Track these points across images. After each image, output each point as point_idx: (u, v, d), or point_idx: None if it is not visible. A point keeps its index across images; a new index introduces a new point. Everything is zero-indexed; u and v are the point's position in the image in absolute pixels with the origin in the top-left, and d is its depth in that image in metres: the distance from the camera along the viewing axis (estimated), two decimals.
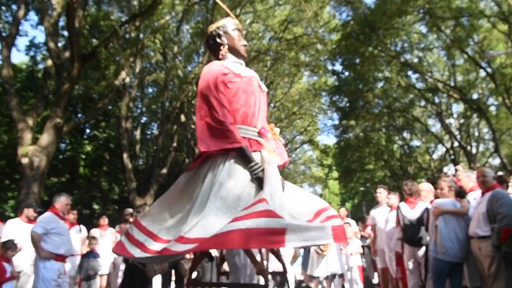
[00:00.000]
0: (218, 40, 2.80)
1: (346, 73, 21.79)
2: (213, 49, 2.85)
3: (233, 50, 2.79)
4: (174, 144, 17.91)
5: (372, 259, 7.86)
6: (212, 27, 2.86)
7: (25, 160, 9.87)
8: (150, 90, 22.58)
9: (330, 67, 22.09)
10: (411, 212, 5.02)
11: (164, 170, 16.40)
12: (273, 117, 24.32)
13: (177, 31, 18.26)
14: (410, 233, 4.90)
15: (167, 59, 18.45)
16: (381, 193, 6.41)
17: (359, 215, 22.85)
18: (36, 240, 4.83)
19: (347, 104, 22.52)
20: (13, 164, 14.59)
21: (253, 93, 2.69)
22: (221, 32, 2.80)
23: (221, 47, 2.79)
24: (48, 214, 5.10)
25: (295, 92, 23.71)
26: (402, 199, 5.97)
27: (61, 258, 5.03)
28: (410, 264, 4.94)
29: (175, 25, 18.39)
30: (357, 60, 19.63)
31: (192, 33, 19.89)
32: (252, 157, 2.47)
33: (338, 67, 22.25)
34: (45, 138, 10.23)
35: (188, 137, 19.82)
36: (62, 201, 5.26)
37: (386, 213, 6.01)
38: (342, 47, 18.84)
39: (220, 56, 2.79)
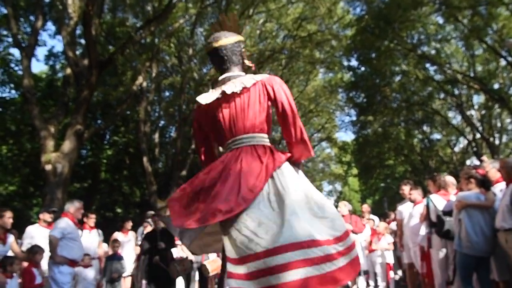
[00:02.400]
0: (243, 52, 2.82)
1: (362, 68, 21.56)
2: (242, 58, 2.82)
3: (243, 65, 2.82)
4: (193, 146, 18.02)
5: (397, 255, 7.76)
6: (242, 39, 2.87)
7: (48, 167, 10.09)
8: (167, 93, 22.78)
9: (345, 63, 21.92)
10: (444, 204, 4.92)
11: (184, 172, 16.54)
12: None
13: (191, 34, 18.39)
14: (442, 225, 4.79)
15: (183, 62, 18.59)
16: (405, 189, 6.31)
17: (380, 211, 22.53)
18: (54, 245, 4.94)
19: (364, 100, 22.29)
20: (37, 171, 14.94)
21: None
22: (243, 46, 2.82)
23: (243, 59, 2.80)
24: (64, 219, 5.21)
25: (311, 89, 23.60)
26: (425, 193, 5.87)
27: (74, 263, 5.16)
28: (441, 254, 4.84)
29: (189, 28, 18.52)
30: (373, 55, 19.39)
31: (206, 35, 19.99)
32: None
33: (354, 62, 22.05)
34: (67, 145, 10.44)
35: None
36: (76, 206, 5.39)
37: (411, 208, 5.93)
38: (357, 42, 18.64)
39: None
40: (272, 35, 20.12)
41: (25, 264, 5.01)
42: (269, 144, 2.49)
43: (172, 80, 19.51)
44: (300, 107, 23.90)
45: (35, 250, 4.88)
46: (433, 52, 19.42)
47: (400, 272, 8.81)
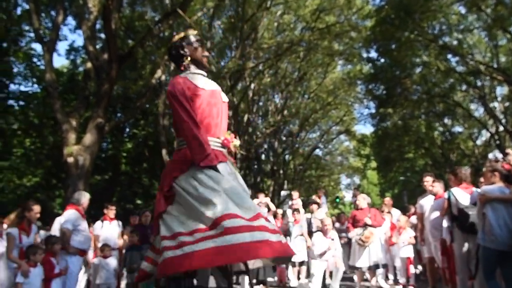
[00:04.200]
0: (181, 51, 2.91)
1: (382, 60, 21.24)
2: (176, 60, 2.97)
3: (195, 61, 2.91)
4: None
5: (417, 249, 7.67)
6: (175, 38, 2.98)
7: (70, 160, 10.30)
8: None
9: (365, 55, 21.64)
10: (466, 198, 4.83)
11: None
12: (307, 109, 24.16)
13: (209, 27, 18.40)
14: (464, 219, 4.71)
15: None
16: (428, 181, 6.20)
17: (400, 205, 22.27)
18: (68, 236, 5.08)
19: (384, 92, 21.98)
20: (59, 164, 15.26)
21: (216, 105, 2.85)
22: (184, 44, 2.91)
23: (184, 58, 2.91)
24: (72, 211, 5.30)
25: (330, 82, 23.40)
26: (446, 187, 5.77)
27: (83, 253, 5.34)
28: (463, 248, 4.76)
29: (207, 21, 18.53)
30: (393, 46, 19.07)
31: (223, 28, 19.99)
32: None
33: (373, 54, 21.73)
34: (88, 137, 10.63)
35: None
36: (87, 197, 5.55)
37: (432, 201, 5.83)
38: (377, 33, 18.36)
39: (182, 68, 2.92)
40: (290, 27, 19.98)
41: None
42: None
43: None
44: (318, 100, 23.77)
45: (53, 241, 5.00)
46: (455, 42, 18.99)
47: (420, 267, 8.70)
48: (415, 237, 7.26)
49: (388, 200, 8.86)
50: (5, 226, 5.11)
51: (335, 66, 22.80)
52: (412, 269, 7.62)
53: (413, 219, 7.98)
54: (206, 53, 2.98)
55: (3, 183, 14.83)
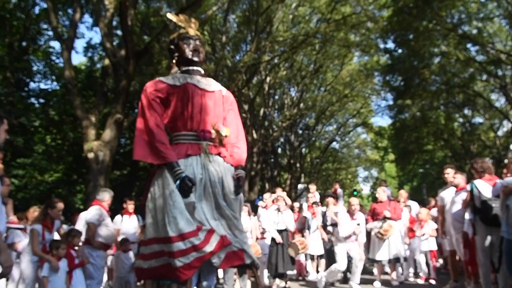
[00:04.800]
0: (172, 47, 3.14)
1: (400, 51, 20.96)
2: (170, 57, 3.20)
3: (182, 59, 3.08)
4: None
5: (438, 242, 7.57)
6: (171, 37, 3.20)
7: (91, 155, 10.48)
8: None
9: (382, 46, 21.36)
10: (489, 190, 4.74)
11: None
12: (324, 101, 23.99)
13: (223, 21, 18.39)
14: (487, 211, 4.63)
15: (216, 50, 18.66)
16: (449, 173, 6.11)
17: (419, 197, 22.03)
18: (93, 231, 5.25)
19: (402, 83, 21.71)
20: (80, 159, 15.56)
21: (189, 98, 2.95)
22: (175, 42, 3.12)
23: (174, 55, 3.14)
24: (97, 207, 5.48)
25: (346, 74, 23.19)
26: (469, 179, 5.67)
27: (107, 247, 5.49)
28: (486, 241, 4.69)
29: (222, 15, 18.52)
30: (411, 36, 18.77)
31: (238, 22, 19.95)
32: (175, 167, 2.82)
33: (390, 44, 21.47)
34: (108, 133, 10.78)
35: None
36: (111, 195, 5.73)
37: (453, 194, 5.74)
38: (394, 23, 18.07)
39: (171, 64, 3.18)
40: (305, 19, 19.82)
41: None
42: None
43: (205, 68, 19.65)
44: (334, 92, 23.57)
45: (73, 234, 5.13)
46: (474, 31, 18.55)
47: (440, 260, 8.60)
48: (436, 230, 7.17)
49: (403, 193, 8.74)
50: (29, 222, 5.26)
51: (351, 58, 22.56)
52: (435, 263, 7.53)
53: (433, 211, 7.88)
54: (197, 48, 3.06)
55: (25, 179, 15.17)
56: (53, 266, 4.52)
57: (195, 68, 3.10)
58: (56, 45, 31.27)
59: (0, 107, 13.22)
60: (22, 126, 15.16)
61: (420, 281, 7.45)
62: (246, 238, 3.01)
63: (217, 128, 2.99)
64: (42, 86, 25.39)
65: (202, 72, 3.15)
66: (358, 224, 6.82)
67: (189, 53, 3.06)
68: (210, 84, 3.10)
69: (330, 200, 7.85)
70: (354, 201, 7.17)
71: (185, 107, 2.97)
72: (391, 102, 24.79)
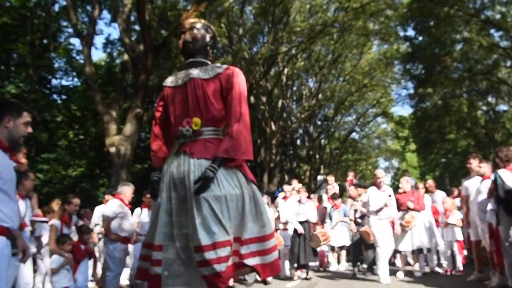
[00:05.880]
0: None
1: (420, 38, 20.57)
2: None
3: (182, 50, 3.02)
4: None
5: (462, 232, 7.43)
6: None
7: (112, 149, 10.65)
8: None
9: (401, 33, 20.98)
10: None
11: None
12: (342, 91, 23.75)
13: (240, 13, 18.32)
14: (511, 202, 4.52)
15: (233, 42, 18.64)
16: (473, 163, 5.97)
17: (442, 188, 21.66)
18: (107, 223, 5.34)
19: (423, 71, 21.33)
20: (102, 154, 15.82)
21: (174, 96, 2.95)
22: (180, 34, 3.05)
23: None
24: (115, 200, 5.57)
25: (365, 63, 22.88)
26: (493, 168, 5.53)
27: (126, 240, 5.53)
28: (511, 232, 4.58)
29: (238, 7, 18.45)
30: (432, 23, 18.40)
31: (255, 14, 19.85)
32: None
33: (410, 32, 21.05)
34: (128, 127, 10.93)
35: (259, 118, 20.03)
36: (131, 188, 5.81)
37: (478, 183, 5.61)
38: (414, 10, 17.71)
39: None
40: (323, 9, 19.57)
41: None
42: None
43: (223, 61, 19.68)
44: (353, 82, 23.30)
45: (83, 230, 5.27)
46: (498, 16, 18.01)
47: (464, 251, 8.45)
48: (461, 220, 7.03)
49: (430, 182, 8.57)
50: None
51: (370, 47, 22.23)
52: (462, 254, 7.39)
53: (457, 201, 7.73)
54: (185, 37, 2.96)
55: (50, 174, 15.54)
56: (68, 263, 4.62)
57: (188, 60, 3.02)
58: (76, 42, 31.87)
59: (24, 104, 13.53)
60: (45, 122, 15.50)
61: (443, 272, 7.35)
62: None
63: (186, 124, 2.87)
64: (64, 82, 25.91)
65: (200, 59, 3.01)
66: (390, 196, 6.56)
67: (180, 49, 3.03)
68: (206, 72, 2.94)
69: (359, 190, 7.76)
70: (380, 173, 6.91)
71: (176, 108, 2.98)
72: (412, 91, 24.45)
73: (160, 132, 3.11)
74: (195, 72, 2.96)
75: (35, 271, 5.17)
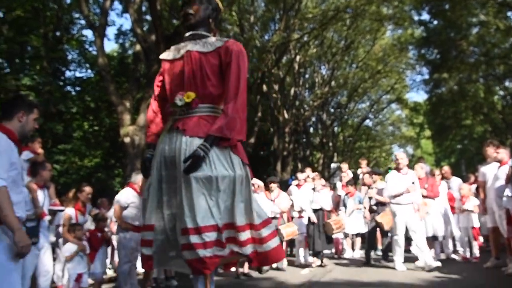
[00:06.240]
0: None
1: (435, 22, 20.18)
2: None
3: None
4: (259, 114, 18.21)
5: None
6: None
7: (127, 140, 10.77)
8: None
9: (416, 18, 20.59)
10: None
11: (252, 140, 16.83)
12: (356, 78, 23.50)
13: (251, 0, 18.17)
14: None
15: (244, 30, 18.52)
16: (490, 149, 5.87)
17: (457, 174, 21.39)
18: (117, 212, 5.40)
19: (438, 56, 20.98)
20: (116, 144, 15.99)
21: (171, 70, 2.84)
22: None
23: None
24: (127, 189, 5.61)
25: (379, 49, 22.58)
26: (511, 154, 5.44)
27: (138, 229, 5.49)
28: None
29: None
30: (447, 6, 18.01)
31: (266, 1, 19.65)
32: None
33: (425, 16, 20.63)
34: (142, 118, 11.01)
35: (271, 106, 19.97)
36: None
37: (496, 169, 5.53)
38: None
39: None
40: None
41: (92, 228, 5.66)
42: None
43: None
44: (367, 69, 23.04)
45: (98, 218, 5.35)
46: None
47: (481, 238, 8.36)
48: (478, 206, 6.95)
49: (446, 168, 8.47)
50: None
51: (384, 32, 21.87)
52: (479, 240, 7.32)
53: (473, 188, 7.63)
54: (184, 13, 2.85)
55: (66, 164, 15.79)
56: (81, 250, 4.70)
57: (189, 33, 2.89)
58: (88, 33, 32.09)
59: (40, 95, 13.69)
60: (60, 113, 15.69)
61: (459, 259, 7.30)
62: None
63: (179, 97, 2.72)
64: (77, 74, 26.12)
65: (201, 32, 2.86)
66: (413, 183, 6.22)
67: (181, 22, 2.98)
68: (205, 45, 2.79)
69: (374, 177, 7.68)
70: (401, 155, 6.62)
71: (173, 83, 2.85)
72: (426, 77, 24.10)
73: (158, 109, 3.00)
74: (192, 45, 2.81)
75: (54, 259, 5.28)
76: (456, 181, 8.16)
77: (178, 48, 2.91)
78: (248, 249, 2.66)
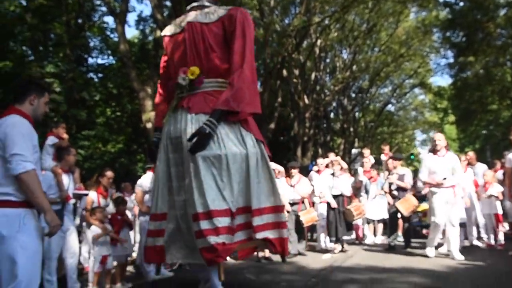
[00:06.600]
0: None
1: (461, 3, 19.53)
2: None
3: None
4: (279, 100, 18.11)
5: (503, 205, 7.18)
6: None
7: (149, 125, 10.90)
8: None
9: None
10: None
11: (272, 125, 16.80)
12: (378, 62, 23.08)
13: None
14: None
15: (264, 15, 18.32)
16: None
17: (482, 160, 20.92)
18: (138, 197, 5.51)
19: (464, 39, 20.38)
20: (138, 130, 16.21)
21: (172, 45, 2.64)
22: None
23: None
24: (149, 174, 5.67)
25: (402, 32, 22.08)
26: None
27: None
28: None
29: None
30: None
31: None
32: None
33: None
34: None
35: (292, 92, 19.83)
36: None
37: None
38: None
39: None
40: None
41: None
42: None
43: (255, 34, 19.44)
44: (389, 52, 22.60)
45: (119, 201, 5.44)
46: None
47: (506, 225, 8.18)
48: (502, 193, 6.79)
49: (471, 154, 8.27)
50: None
51: (407, 14, 21.36)
52: (500, 227, 7.17)
53: (499, 174, 7.45)
54: None
55: (90, 150, 16.10)
56: (104, 232, 4.80)
57: (191, 5, 2.71)
58: (109, 20, 32.39)
59: (63, 83, 13.92)
60: (83, 100, 15.94)
61: (484, 245, 7.18)
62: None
63: (182, 73, 2.53)
64: (99, 61, 26.46)
65: (203, 3, 2.68)
66: (454, 167, 5.71)
67: None
68: (207, 15, 2.61)
69: (396, 163, 7.55)
70: (438, 136, 6.04)
71: (174, 59, 2.71)
72: (451, 60, 23.51)
73: (164, 91, 2.88)
74: (193, 16, 2.62)
75: (80, 241, 5.43)
76: (481, 167, 7.97)
77: (179, 21, 2.73)
78: (267, 234, 2.45)
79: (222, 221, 2.31)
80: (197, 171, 2.32)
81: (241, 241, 2.44)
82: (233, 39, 2.49)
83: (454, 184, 5.71)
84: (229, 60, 2.51)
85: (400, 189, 7.09)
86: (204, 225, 2.29)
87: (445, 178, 5.59)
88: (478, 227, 7.53)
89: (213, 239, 2.27)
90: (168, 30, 2.78)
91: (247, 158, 2.40)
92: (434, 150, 5.88)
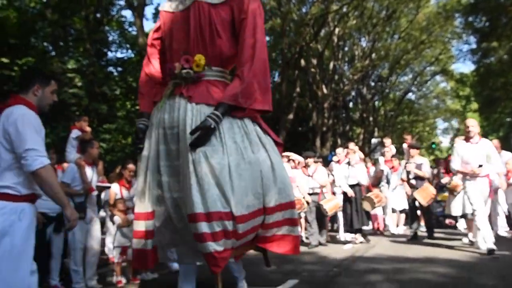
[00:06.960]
0: None
1: None
2: None
3: None
4: (297, 90, 18.00)
5: None
6: None
7: None
8: (268, 38, 22.72)
9: None
10: None
11: (290, 116, 16.74)
12: (398, 50, 22.66)
13: None
14: None
15: (281, 4, 18.15)
16: None
17: (507, 149, 20.41)
18: None
19: (487, 24, 19.83)
20: None
21: (173, 24, 2.34)
22: None
23: None
24: None
25: (423, 18, 21.59)
26: None
27: None
28: None
29: None
30: None
31: None
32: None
33: None
34: None
35: (310, 82, 19.68)
36: None
37: None
38: None
39: None
40: None
41: None
42: None
43: (272, 24, 19.29)
44: (410, 39, 22.17)
45: None
46: None
47: None
48: None
49: (495, 142, 8.05)
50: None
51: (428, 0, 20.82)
52: None
53: None
54: None
55: (112, 143, 16.34)
56: (123, 223, 4.88)
57: None
58: (127, 14, 32.62)
59: (84, 77, 14.13)
60: (104, 94, 16.15)
61: (509, 236, 7.03)
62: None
63: (185, 62, 2.32)
64: (118, 55, 26.74)
65: None
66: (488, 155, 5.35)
67: None
68: None
69: (413, 151, 7.43)
70: (471, 122, 5.63)
71: (173, 38, 2.45)
72: (474, 46, 22.95)
73: (152, 71, 2.60)
74: None
75: (104, 233, 5.54)
76: (506, 155, 7.77)
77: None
78: (278, 231, 2.35)
79: (221, 225, 2.15)
80: (197, 166, 2.14)
81: (241, 245, 2.35)
82: (244, 28, 2.32)
83: (489, 173, 5.39)
84: (237, 51, 2.35)
85: (418, 178, 6.98)
86: (203, 227, 2.11)
87: (481, 165, 5.23)
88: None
89: (211, 246, 2.12)
90: (169, 6, 2.54)
91: (254, 157, 2.25)
92: (466, 137, 5.58)
